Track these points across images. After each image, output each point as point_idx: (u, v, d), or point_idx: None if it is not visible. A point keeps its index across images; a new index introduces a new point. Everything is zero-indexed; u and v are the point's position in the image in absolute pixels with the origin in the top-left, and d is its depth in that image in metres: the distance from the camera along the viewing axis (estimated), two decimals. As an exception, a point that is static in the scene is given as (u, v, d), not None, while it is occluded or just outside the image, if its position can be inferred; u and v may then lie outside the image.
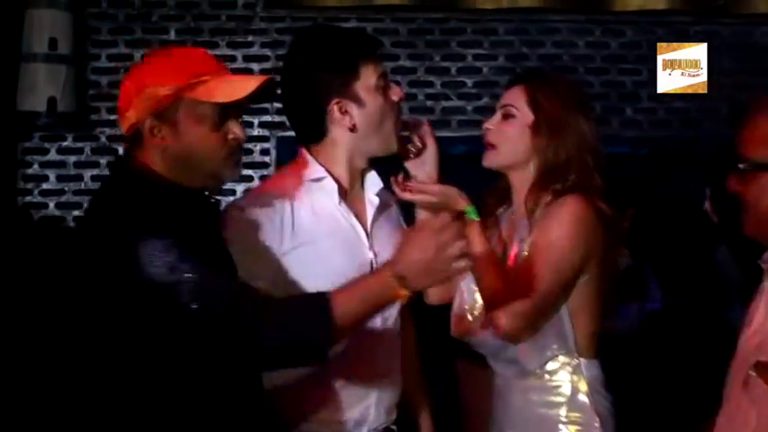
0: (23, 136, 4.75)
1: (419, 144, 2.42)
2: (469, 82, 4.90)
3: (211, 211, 2.10)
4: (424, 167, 2.40)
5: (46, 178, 4.77)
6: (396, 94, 2.38)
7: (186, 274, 1.85)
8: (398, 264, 1.94)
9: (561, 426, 2.41)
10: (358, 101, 2.31)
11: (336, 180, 2.36)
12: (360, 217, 2.39)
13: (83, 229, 2.02)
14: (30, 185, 4.76)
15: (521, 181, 2.48)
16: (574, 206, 2.35)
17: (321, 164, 2.33)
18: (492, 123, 2.47)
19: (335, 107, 2.29)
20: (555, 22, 4.91)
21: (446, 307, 2.59)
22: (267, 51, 4.74)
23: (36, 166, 4.77)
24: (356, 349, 2.24)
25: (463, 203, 2.32)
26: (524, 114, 2.43)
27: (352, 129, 2.31)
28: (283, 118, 2.47)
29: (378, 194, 2.43)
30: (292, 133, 2.42)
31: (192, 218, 1.98)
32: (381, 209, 2.44)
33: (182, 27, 4.78)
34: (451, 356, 3.63)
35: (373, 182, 2.43)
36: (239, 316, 1.87)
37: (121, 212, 1.90)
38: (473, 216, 2.30)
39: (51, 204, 4.76)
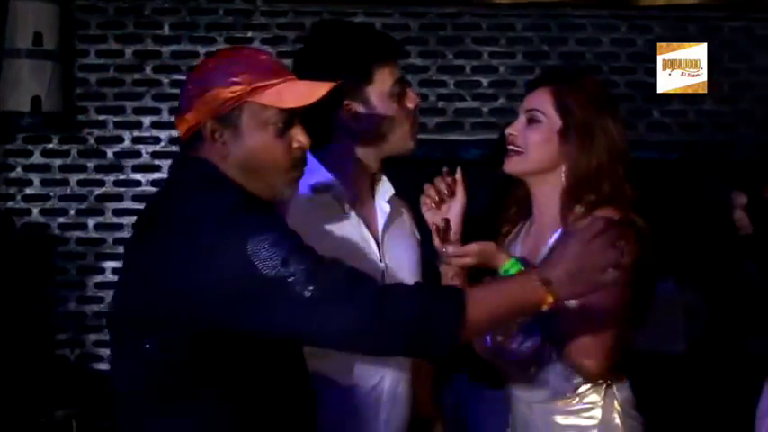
0: (5, 137, 4.74)
1: (446, 192, 2.39)
2: (485, 81, 4.94)
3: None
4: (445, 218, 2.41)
5: (29, 183, 4.77)
6: (411, 101, 2.39)
7: (299, 265, 1.91)
8: (547, 268, 1.98)
9: None
10: (370, 107, 2.33)
11: (345, 187, 2.37)
12: (370, 226, 2.41)
13: (171, 229, 2.01)
14: (12, 190, 4.76)
15: (545, 190, 2.48)
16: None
17: (329, 170, 2.34)
18: (516, 129, 2.47)
19: (345, 112, 2.31)
20: (577, 17, 4.96)
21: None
22: (268, 48, 4.71)
23: (19, 169, 4.77)
24: (364, 370, 2.33)
25: (503, 259, 2.29)
26: (552, 119, 2.43)
27: (362, 135, 2.34)
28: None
29: (389, 201, 2.45)
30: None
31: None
32: (393, 217, 2.46)
33: (176, 21, 4.81)
34: (462, 378, 3.65)
35: (385, 189, 2.45)
36: (356, 296, 1.93)
37: (221, 211, 1.96)
38: (514, 271, 2.27)
39: (35, 211, 4.76)
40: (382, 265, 2.35)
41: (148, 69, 4.80)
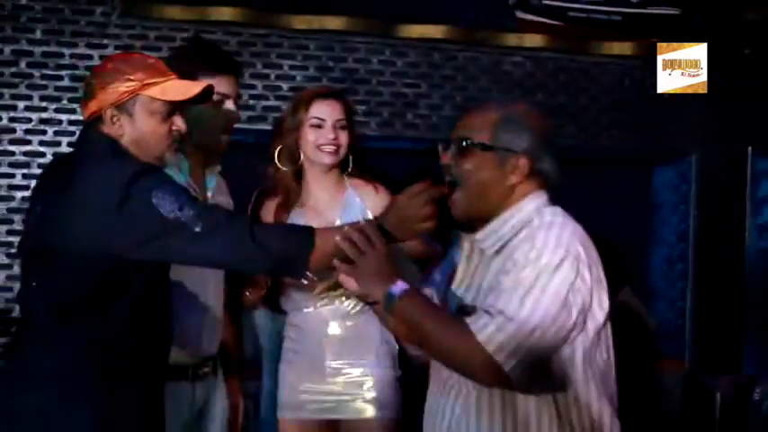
0: None
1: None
2: (285, 86, 5.29)
3: None
4: None
5: None
6: (230, 119, 2.61)
7: (190, 210, 2.05)
8: (382, 217, 2.15)
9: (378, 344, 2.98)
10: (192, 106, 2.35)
11: (183, 160, 2.56)
12: (200, 193, 2.59)
13: (90, 186, 2.05)
14: None
15: (331, 174, 2.99)
16: (384, 189, 3.00)
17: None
18: (336, 134, 2.97)
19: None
20: (355, 42, 5.37)
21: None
22: (120, 53, 4.00)
23: None
24: (192, 295, 2.56)
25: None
26: (348, 125, 3.02)
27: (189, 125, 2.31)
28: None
29: (214, 175, 2.70)
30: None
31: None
32: (216, 188, 2.71)
33: (47, 28, 5.01)
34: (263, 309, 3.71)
35: (211, 167, 2.70)
36: (234, 228, 2.07)
37: (129, 173, 2.05)
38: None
39: None
40: None
41: (23, 65, 4.99)
